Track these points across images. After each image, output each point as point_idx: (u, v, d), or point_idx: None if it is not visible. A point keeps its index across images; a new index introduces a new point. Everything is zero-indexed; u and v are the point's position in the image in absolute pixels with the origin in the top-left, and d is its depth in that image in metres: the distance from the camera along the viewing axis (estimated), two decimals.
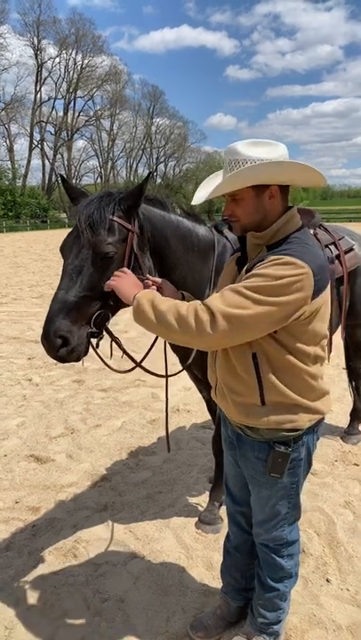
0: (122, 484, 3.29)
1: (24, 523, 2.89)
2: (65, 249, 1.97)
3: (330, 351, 3.05)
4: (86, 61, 60.18)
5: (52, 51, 60.14)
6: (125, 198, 1.98)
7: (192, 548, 2.67)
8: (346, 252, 3.15)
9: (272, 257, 1.51)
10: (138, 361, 2.22)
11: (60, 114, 60.64)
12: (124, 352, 2.14)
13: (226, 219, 1.72)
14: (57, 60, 58.73)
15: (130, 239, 1.99)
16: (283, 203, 1.64)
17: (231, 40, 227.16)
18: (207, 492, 3.02)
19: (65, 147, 61.78)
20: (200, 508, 2.99)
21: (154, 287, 1.89)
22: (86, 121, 63.23)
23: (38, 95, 57.74)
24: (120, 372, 2.25)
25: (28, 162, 56.77)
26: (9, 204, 45.13)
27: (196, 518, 2.89)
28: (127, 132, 69.38)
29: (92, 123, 63.88)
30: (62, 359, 1.91)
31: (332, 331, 3.07)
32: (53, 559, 2.59)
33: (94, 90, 62.19)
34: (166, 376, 2.32)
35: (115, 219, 1.94)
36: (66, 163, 62.37)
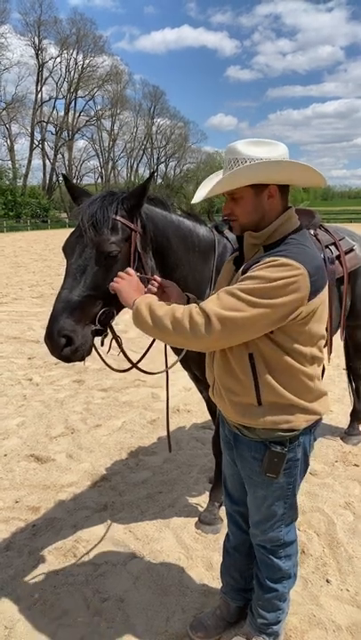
0: (122, 484, 3.29)
1: (24, 522, 2.89)
2: (68, 248, 1.97)
3: (330, 352, 3.05)
4: (87, 61, 60.32)
5: (53, 51, 60.25)
6: (128, 198, 1.98)
7: (192, 548, 2.67)
8: (346, 253, 3.16)
9: (268, 259, 1.51)
10: (135, 361, 2.23)
11: (61, 114, 60.79)
12: (122, 352, 2.14)
13: (225, 218, 1.72)
14: (58, 59, 58.85)
15: (133, 238, 1.99)
16: (282, 203, 1.64)
17: (232, 40, 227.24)
18: (207, 493, 3.02)
19: (66, 147, 61.82)
20: (200, 509, 2.99)
21: (157, 287, 1.88)
22: (87, 121, 63.31)
23: (39, 95, 57.85)
24: (118, 371, 2.25)
25: (29, 162, 56.88)
26: (9, 204, 45.16)
27: (196, 518, 2.89)
28: (128, 132, 69.52)
29: (93, 123, 63.96)
30: (66, 359, 1.91)
31: (332, 331, 3.07)
32: (53, 559, 2.59)
33: (95, 90, 62.29)
34: (166, 371, 2.33)
35: (118, 218, 1.94)
36: (66, 163, 62.43)
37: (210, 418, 3.17)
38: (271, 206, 1.61)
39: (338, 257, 3.08)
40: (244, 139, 1.65)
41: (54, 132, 60.87)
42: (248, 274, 1.52)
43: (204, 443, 3.85)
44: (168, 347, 2.34)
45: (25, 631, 2.14)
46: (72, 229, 2.01)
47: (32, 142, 57.43)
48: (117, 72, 64.04)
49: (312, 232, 2.97)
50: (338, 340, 3.32)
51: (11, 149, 55.19)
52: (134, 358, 2.23)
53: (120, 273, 1.79)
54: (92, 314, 1.92)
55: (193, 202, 1.90)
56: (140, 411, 4.49)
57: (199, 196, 1.82)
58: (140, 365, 2.26)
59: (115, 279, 1.77)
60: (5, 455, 3.68)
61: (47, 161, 60.19)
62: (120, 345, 2.12)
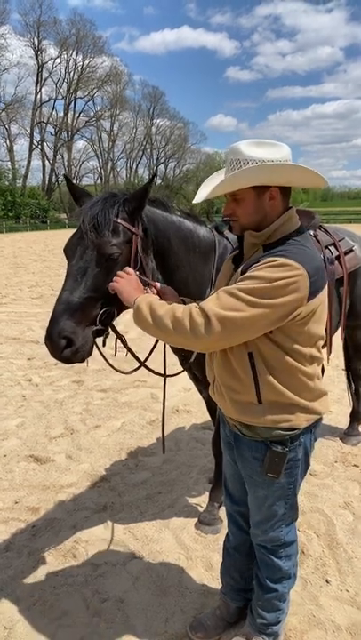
0: (121, 485, 3.29)
1: (24, 523, 2.89)
2: (69, 250, 1.97)
3: (329, 352, 3.05)
4: (87, 62, 60.29)
5: (52, 51, 60.33)
6: (130, 200, 1.99)
7: (191, 548, 2.67)
8: (346, 254, 3.16)
9: (267, 259, 1.52)
10: (142, 360, 2.23)
11: (61, 114, 60.76)
12: (129, 351, 2.14)
13: (226, 218, 1.73)
14: (57, 60, 58.79)
15: (134, 241, 1.99)
16: (283, 204, 1.64)
17: (232, 41, 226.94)
18: (207, 493, 3.02)
19: (65, 147, 61.81)
20: (200, 509, 2.99)
21: (155, 294, 1.89)
22: (87, 122, 63.29)
23: (39, 96, 57.80)
24: (124, 372, 2.25)
25: (29, 162, 56.84)
26: (9, 205, 45.13)
27: (196, 519, 2.89)
28: (127, 132, 69.51)
29: (93, 123, 63.94)
30: (67, 360, 1.91)
31: (331, 332, 3.07)
32: (53, 559, 2.59)
33: (95, 90, 62.27)
34: (165, 375, 2.33)
35: (119, 220, 1.95)
36: (66, 163, 62.41)
37: (209, 418, 3.17)
38: (272, 207, 1.62)
39: (337, 257, 3.08)
40: (245, 139, 1.65)
41: (54, 133, 60.93)
42: (248, 274, 1.53)
43: (203, 443, 3.85)
44: (168, 347, 2.35)
45: (24, 632, 2.14)
46: (72, 230, 2.01)
47: (31, 143, 57.45)
48: (117, 73, 64.11)
49: (312, 233, 2.97)
50: (337, 341, 3.32)
51: (10, 150, 55.20)
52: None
53: (119, 272, 1.80)
54: (92, 315, 1.92)
55: (194, 202, 1.90)
56: (139, 411, 4.49)
57: (200, 196, 1.82)
58: (146, 364, 2.26)
59: (114, 278, 1.78)
60: (5, 456, 3.68)
61: (46, 162, 60.22)
62: (125, 344, 2.12)
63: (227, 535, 2.14)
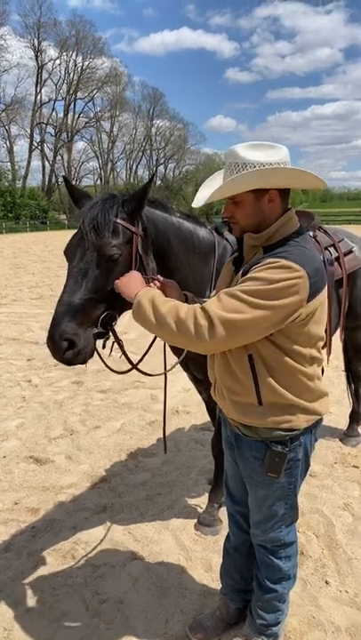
0: (121, 486, 3.29)
1: (23, 524, 2.89)
2: (69, 251, 1.97)
3: (329, 353, 3.05)
4: (86, 63, 60.39)
5: (52, 52, 60.64)
6: (129, 201, 1.99)
7: (191, 549, 2.67)
8: (345, 255, 3.16)
9: (268, 260, 1.52)
10: (135, 363, 2.23)
11: (61, 115, 60.83)
12: (124, 354, 2.15)
13: (225, 220, 1.73)
14: (57, 61, 58.90)
15: (134, 241, 2.00)
16: (282, 205, 1.65)
17: (231, 42, 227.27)
18: (206, 494, 3.02)
19: (65, 148, 61.87)
20: (199, 510, 2.99)
21: (158, 287, 1.88)
22: (86, 122, 63.37)
23: (38, 97, 57.87)
24: (118, 372, 2.25)
25: (28, 163, 56.91)
26: (9, 206, 45.14)
27: (196, 520, 2.89)
28: (127, 133, 69.57)
29: (92, 124, 64.03)
30: (68, 362, 1.90)
31: (331, 333, 3.07)
32: (52, 560, 2.59)
33: (94, 91, 62.36)
34: (165, 374, 2.33)
35: (119, 221, 1.95)
36: (66, 164, 62.46)
37: (209, 419, 3.17)
38: (271, 209, 1.62)
39: (337, 258, 3.09)
40: (244, 140, 1.65)
41: (53, 134, 61.00)
42: (249, 275, 1.53)
43: (203, 444, 3.85)
44: (168, 347, 2.35)
45: (24, 633, 2.14)
46: (71, 231, 2.02)
47: (31, 144, 57.52)
48: (117, 74, 64.20)
49: (311, 234, 2.98)
50: (337, 342, 3.32)
51: (10, 151, 55.25)
52: (134, 359, 2.23)
53: (123, 277, 1.81)
54: (93, 317, 1.92)
55: (194, 205, 1.90)
56: (139, 412, 4.49)
57: (200, 199, 1.83)
58: (139, 366, 2.27)
59: (118, 279, 1.79)
60: (4, 457, 3.68)
61: (46, 162, 60.29)
62: (122, 347, 2.12)
63: (227, 535, 2.14)
